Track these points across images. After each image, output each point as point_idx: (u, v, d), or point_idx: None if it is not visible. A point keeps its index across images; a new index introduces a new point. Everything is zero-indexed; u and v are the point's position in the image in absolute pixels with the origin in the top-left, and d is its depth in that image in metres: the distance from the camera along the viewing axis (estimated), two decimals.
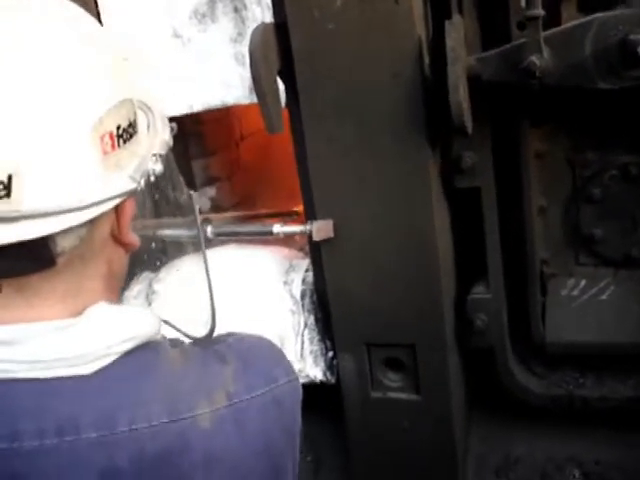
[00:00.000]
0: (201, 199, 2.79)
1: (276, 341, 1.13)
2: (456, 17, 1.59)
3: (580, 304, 1.87)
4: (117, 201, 0.88)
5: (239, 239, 2.19)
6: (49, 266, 0.85)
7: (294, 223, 1.98)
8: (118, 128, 0.87)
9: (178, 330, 1.16)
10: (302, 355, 2.03)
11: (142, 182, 0.91)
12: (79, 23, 0.90)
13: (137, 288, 2.19)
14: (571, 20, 1.58)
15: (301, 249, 2.41)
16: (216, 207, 2.90)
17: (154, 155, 0.94)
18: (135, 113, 0.93)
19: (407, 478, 1.98)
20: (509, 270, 1.88)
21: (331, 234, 1.78)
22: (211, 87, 2.10)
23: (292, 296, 2.06)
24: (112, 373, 0.88)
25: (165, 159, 0.97)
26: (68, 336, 0.87)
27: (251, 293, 2.09)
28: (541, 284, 1.91)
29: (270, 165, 3.42)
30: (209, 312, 1.16)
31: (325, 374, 2.04)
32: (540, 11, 1.44)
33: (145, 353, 0.92)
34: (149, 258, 2.23)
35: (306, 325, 2.05)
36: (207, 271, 1.19)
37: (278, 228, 1.92)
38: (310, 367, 2.03)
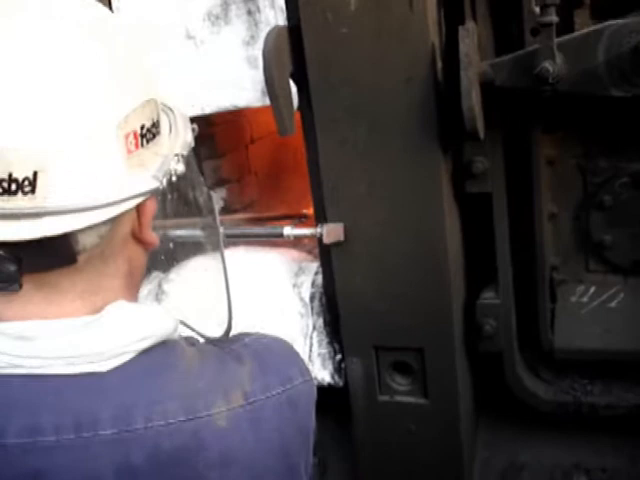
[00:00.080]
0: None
1: None
2: (470, 23, 1.59)
3: (589, 311, 1.87)
4: (139, 200, 0.89)
5: (248, 241, 2.20)
6: (70, 263, 0.86)
7: (304, 226, 1.98)
8: (142, 128, 0.88)
9: (193, 330, 1.17)
10: (310, 358, 2.03)
11: (164, 182, 0.91)
12: (108, 23, 0.91)
13: (147, 288, 2.20)
14: (584, 27, 1.58)
15: (309, 252, 2.41)
16: (226, 209, 2.91)
17: (176, 155, 0.95)
18: (158, 113, 0.94)
19: None
20: (519, 276, 1.88)
21: (341, 237, 1.78)
22: (223, 89, 2.10)
23: (301, 299, 2.06)
24: (129, 371, 0.89)
25: (186, 159, 0.98)
26: (88, 333, 0.88)
27: (260, 295, 2.09)
28: (550, 290, 1.91)
29: (280, 168, 3.43)
30: (226, 312, 1.17)
31: (333, 377, 2.04)
32: (554, 18, 1.45)
33: (162, 351, 0.93)
34: (161, 258, 2.24)
35: (315, 328, 2.05)
36: (225, 271, 1.20)
37: (288, 230, 1.92)
38: (318, 370, 2.03)
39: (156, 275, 2.28)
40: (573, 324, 1.87)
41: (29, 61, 0.80)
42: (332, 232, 1.78)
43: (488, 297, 1.89)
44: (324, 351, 2.04)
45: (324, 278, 2.00)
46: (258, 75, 1.97)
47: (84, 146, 0.82)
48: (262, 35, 1.68)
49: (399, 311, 1.80)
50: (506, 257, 1.84)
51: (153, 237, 0.98)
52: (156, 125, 0.92)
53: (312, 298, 2.06)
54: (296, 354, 1.09)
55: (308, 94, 1.71)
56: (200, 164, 2.71)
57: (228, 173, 2.99)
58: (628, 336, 1.82)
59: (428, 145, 1.65)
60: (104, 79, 0.85)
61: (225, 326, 1.15)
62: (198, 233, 2.08)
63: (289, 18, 1.77)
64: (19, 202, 0.79)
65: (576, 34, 1.54)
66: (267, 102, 1.72)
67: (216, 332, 1.14)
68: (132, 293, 1.00)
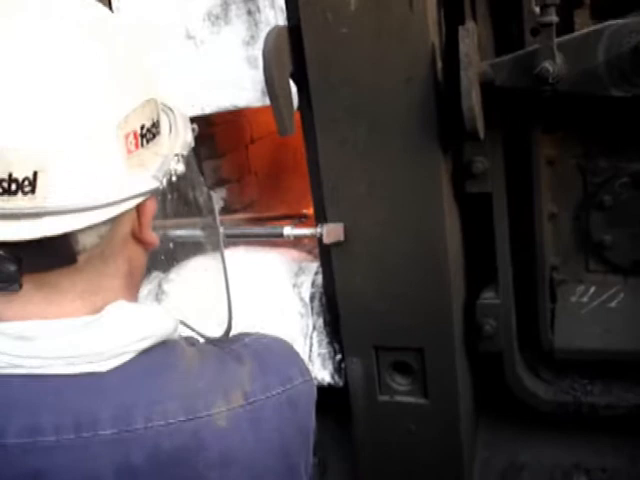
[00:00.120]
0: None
1: None
2: (470, 23, 1.59)
3: (589, 311, 1.87)
4: (139, 200, 0.89)
5: (248, 241, 2.20)
6: (70, 263, 0.86)
7: (304, 226, 1.98)
8: (142, 128, 0.88)
9: (193, 330, 1.17)
10: (310, 358, 2.04)
11: (164, 181, 0.91)
12: (108, 23, 0.91)
13: (147, 288, 2.20)
14: (584, 27, 1.58)
15: (309, 252, 2.41)
16: (226, 209, 2.91)
17: (176, 155, 0.95)
18: (158, 113, 0.94)
19: None
20: (519, 276, 1.88)
21: (341, 237, 1.78)
22: (223, 89, 2.10)
23: (301, 299, 2.06)
24: (129, 371, 0.89)
25: (186, 159, 0.98)
26: (88, 333, 0.88)
27: (260, 295, 2.09)
28: (550, 290, 1.91)
29: (280, 168, 3.43)
30: (226, 312, 1.17)
31: (333, 377, 2.04)
32: (554, 17, 1.45)
33: (162, 351, 0.93)
34: (161, 258, 2.24)
35: (315, 328, 2.05)
36: (225, 271, 1.20)
37: (288, 230, 1.92)
38: (318, 370, 2.03)
39: (156, 275, 2.28)
40: (573, 324, 1.87)
41: (29, 61, 0.80)
42: (332, 232, 1.78)
43: (488, 297, 1.89)
44: (324, 351, 2.04)
45: (324, 278, 2.00)
46: (258, 75, 1.97)
47: (84, 146, 0.82)
48: (262, 35, 1.68)
49: (399, 311, 1.80)
50: (506, 257, 1.85)
51: (153, 237, 0.98)
52: (156, 125, 0.92)
53: (312, 298, 2.06)
54: (296, 354, 1.09)
55: (308, 94, 1.71)
56: (200, 164, 2.71)
57: (228, 173, 2.99)
58: (628, 336, 1.82)
59: (428, 145, 1.65)
60: (104, 79, 0.85)
61: (225, 326, 1.15)
62: (198, 233, 2.08)
63: (289, 18, 1.77)
64: (19, 202, 0.79)
65: (576, 34, 1.54)
66: (267, 102, 1.72)
67: (216, 332, 1.14)
68: (132, 293, 1.00)
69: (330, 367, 2.04)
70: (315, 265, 2.13)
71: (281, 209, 3.08)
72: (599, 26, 1.49)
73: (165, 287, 2.18)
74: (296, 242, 2.27)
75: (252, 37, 2.07)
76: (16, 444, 0.84)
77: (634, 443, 1.94)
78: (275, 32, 1.63)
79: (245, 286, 2.08)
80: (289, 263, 2.18)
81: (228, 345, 1.03)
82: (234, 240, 2.10)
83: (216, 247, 1.20)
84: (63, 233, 0.82)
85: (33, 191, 0.79)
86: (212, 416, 0.91)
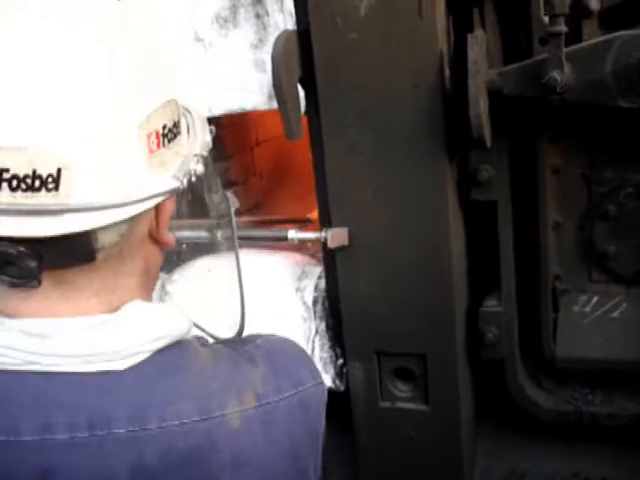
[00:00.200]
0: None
1: None
2: (478, 31, 1.59)
3: (592, 320, 1.87)
4: (159, 199, 0.89)
5: (251, 244, 2.20)
6: (89, 261, 0.87)
7: (309, 230, 1.98)
8: (164, 127, 0.89)
9: (204, 331, 1.17)
10: None
11: (185, 182, 0.92)
12: (129, 22, 0.92)
13: None
14: (592, 37, 1.58)
15: (313, 255, 2.41)
16: None
17: (195, 155, 0.96)
18: (179, 114, 0.95)
19: None
20: (522, 284, 1.88)
21: (346, 242, 1.78)
22: (231, 92, 2.11)
23: (304, 302, 2.07)
24: (144, 370, 0.89)
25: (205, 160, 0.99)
26: (105, 331, 0.88)
27: (263, 298, 2.09)
28: (553, 299, 1.91)
29: (284, 172, 3.43)
30: (239, 313, 1.17)
31: (334, 382, 2.04)
32: (563, 27, 1.45)
33: (176, 352, 0.93)
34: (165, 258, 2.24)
35: (317, 332, 2.05)
36: (239, 272, 1.21)
37: (293, 234, 1.93)
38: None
39: (159, 276, 2.28)
40: (575, 333, 1.87)
41: (55, 59, 0.81)
42: (336, 236, 1.78)
43: (491, 305, 1.89)
44: (326, 355, 2.04)
45: (327, 282, 2.01)
46: (265, 78, 1.98)
47: (107, 145, 0.82)
48: (270, 39, 1.69)
49: (402, 316, 1.81)
50: (510, 265, 1.85)
51: (170, 237, 0.99)
52: (177, 125, 0.93)
53: (315, 302, 2.06)
54: (306, 356, 1.10)
55: (316, 99, 1.72)
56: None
57: (234, 175, 3.00)
58: (630, 346, 1.82)
59: (434, 152, 1.66)
60: (127, 79, 0.85)
61: (237, 327, 1.15)
62: (203, 234, 2.08)
63: (298, 22, 1.77)
64: (42, 199, 0.79)
65: (585, 44, 1.54)
66: (274, 105, 1.72)
67: (227, 333, 1.14)
68: (147, 292, 1.00)
69: (332, 371, 2.04)
70: (318, 269, 2.13)
71: (286, 212, 3.08)
72: (608, 37, 1.49)
73: (168, 288, 2.18)
74: (299, 246, 2.27)
75: (260, 40, 2.08)
76: (30, 442, 0.84)
77: (635, 453, 1.94)
78: (284, 36, 1.64)
79: (248, 289, 2.08)
80: (292, 267, 2.18)
81: (241, 346, 1.03)
82: (238, 242, 2.10)
83: (229, 248, 1.21)
84: (84, 231, 0.82)
85: (57, 188, 0.80)
86: (225, 416, 0.91)
